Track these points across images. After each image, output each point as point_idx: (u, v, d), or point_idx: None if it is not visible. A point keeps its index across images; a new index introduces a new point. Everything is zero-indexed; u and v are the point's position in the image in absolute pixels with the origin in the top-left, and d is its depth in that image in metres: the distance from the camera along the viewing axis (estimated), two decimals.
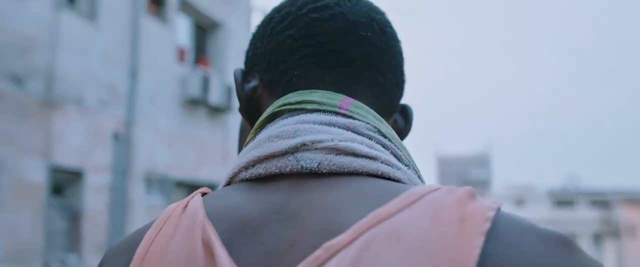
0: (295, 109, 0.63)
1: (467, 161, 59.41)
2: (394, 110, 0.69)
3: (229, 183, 0.63)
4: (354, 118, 0.62)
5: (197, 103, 11.05)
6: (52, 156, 8.20)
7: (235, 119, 11.71)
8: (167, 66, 10.63)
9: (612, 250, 42.14)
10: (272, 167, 0.58)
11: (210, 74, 11.12)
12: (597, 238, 43.93)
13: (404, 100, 0.73)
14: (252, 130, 0.66)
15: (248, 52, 0.71)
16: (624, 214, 41.41)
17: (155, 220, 0.61)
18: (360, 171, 0.57)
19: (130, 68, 9.77)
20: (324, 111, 0.62)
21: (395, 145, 0.63)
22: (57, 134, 8.33)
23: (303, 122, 0.61)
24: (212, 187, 10.76)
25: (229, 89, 11.41)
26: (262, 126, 0.65)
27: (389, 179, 0.58)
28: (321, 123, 0.60)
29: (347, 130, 0.60)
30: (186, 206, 0.60)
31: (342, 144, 0.58)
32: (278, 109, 0.64)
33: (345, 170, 0.57)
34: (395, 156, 0.62)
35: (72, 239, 8.75)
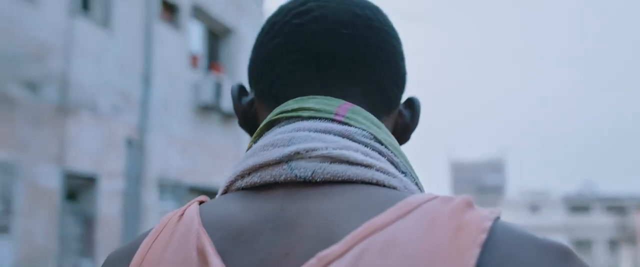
0: (292, 117, 0.63)
1: (481, 167, 59.11)
2: (394, 105, 0.68)
3: (226, 191, 0.62)
4: (350, 125, 0.61)
5: (209, 109, 11.09)
6: (66, 162, 8.26)
7: None
8: (180, 72, 10.69)
9: (629, 256, 41.70)
10: (266, 175, 0.58)
11: (223, 80, 11.16)
12: (613, 244, 43.49)
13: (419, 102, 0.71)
14: (252, 139, 0.66)
15: (248, 65, 0.72)
16: None
17: (153, 228, 0.61)
18: (355, 179, 0.57)
19: (143, 74, 9.83)
20: (320, 118, 0.62)
21: (392, 152, 0.62)
22: (71, 140, 8.40)
23: (298, 129, 0.60)
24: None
25: None
26: (260, 134, 0.65)
27: (385, 186, 0.58)
28: (316, 130, 0.60)
29: (343, 138, 0.60)
30: (182, 214, 0.60)
31: (336, 152, 0.57)
32: (275, 116, 0.63)
33: (340, 178, 0.57)
34: (392, 163, 0.61)
35: (86, 244, 8.80)
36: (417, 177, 0.65)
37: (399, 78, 0.68)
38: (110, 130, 9.15)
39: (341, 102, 0.63)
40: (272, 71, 0.66)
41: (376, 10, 0.68)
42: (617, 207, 45.00)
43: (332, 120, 0.61)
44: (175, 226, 0.58)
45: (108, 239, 8.93)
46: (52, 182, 8.06)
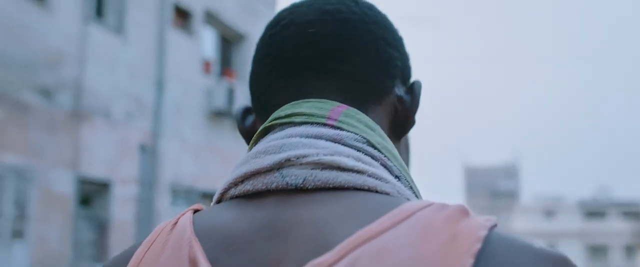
0: (285, 123, 0.62)
1: (495, 172, 58.81)
2: (382, 92, 0.66)
3: (220, 200, 0.62)
4: (342, 129, 0.61)
5: (222, 115, 11.13)
6: (80, 168, 8.33)
7: None
8: (192, 78, 10.74)
9: None
10: (258, 183, 0.58)
11: (236, 86, 11.20)
12: (629, 250, 43.04)
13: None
14: (249, 147, 0.66)
15: None
16: None
17: (147, 237, 0.61)
18: (346, 185, 0.56)
19: (156, 80, 9.90)
20: (312, 123, 0.61)
21: (385, 156, 0.61)
22: (85, 146, 8.46)
23: (290, 136, 0.60)
24: None
25: None
26: (256, 142, 0.65)
27: (377, 192, 0.57)
28: (307, 136, 0.60)
29: (334, 143, 0.59)
30: (176, 223, 0.60)
31: (327, 159, 0.57)
32: (270, 123, 0.64)
33: (331, 185, 0.56)
34: (386, 167, 0.60)
35: (100, 249, 8.85)
36: (412, 181, 0.64)
37: (384, 63, 0.66)
38: (123, 136, 9.21)
39: (335, 104, 0.62)
40: (259, 84, 0.67)
41: (348, 3, 0.67)
42: (633, 212, 44.56)
43: (325, 124, 0.61)
44: (169, 235, 0.58)
45: (121, 244, 8.97)
46: (66, 187, 8.12)
